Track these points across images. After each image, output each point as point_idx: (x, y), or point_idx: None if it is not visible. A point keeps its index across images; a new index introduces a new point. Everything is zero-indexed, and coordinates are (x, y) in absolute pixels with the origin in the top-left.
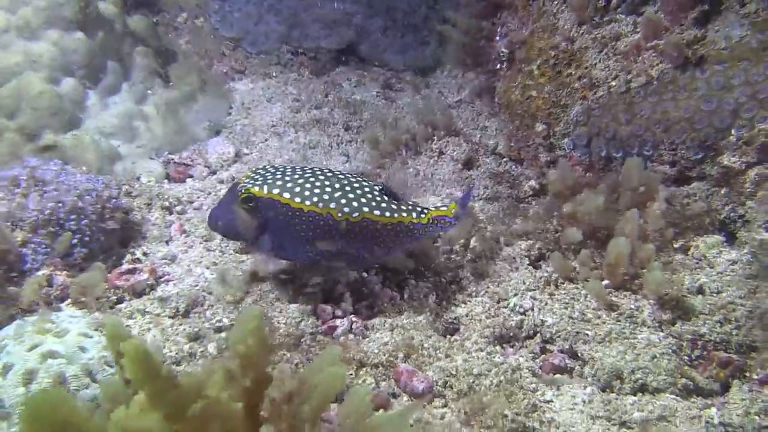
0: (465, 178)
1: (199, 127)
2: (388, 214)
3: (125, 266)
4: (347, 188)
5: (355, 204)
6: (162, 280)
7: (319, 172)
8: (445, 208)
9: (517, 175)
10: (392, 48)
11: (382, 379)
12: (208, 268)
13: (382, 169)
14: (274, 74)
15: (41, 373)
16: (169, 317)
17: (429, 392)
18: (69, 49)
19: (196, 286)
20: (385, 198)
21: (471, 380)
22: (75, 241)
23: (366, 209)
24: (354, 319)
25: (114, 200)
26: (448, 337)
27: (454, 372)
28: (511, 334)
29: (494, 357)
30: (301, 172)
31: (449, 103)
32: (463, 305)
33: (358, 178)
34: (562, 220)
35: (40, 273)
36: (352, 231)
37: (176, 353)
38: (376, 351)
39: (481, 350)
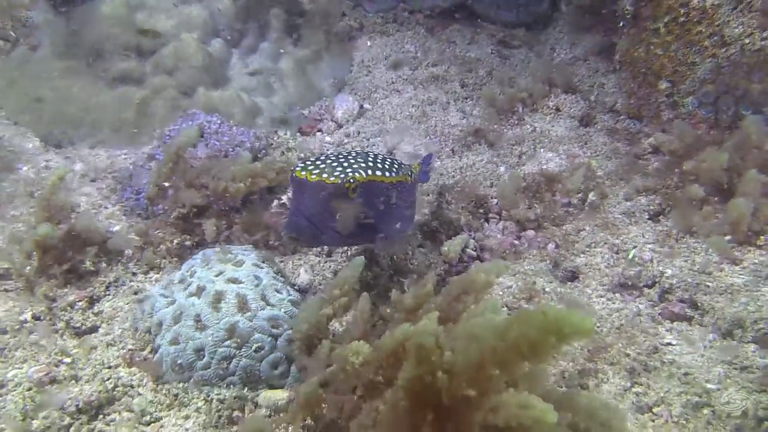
0: (582, 135)
1: (325, 84)
2: (412, 170)
3: (274, 209)
4: (385, 157)
5: (404, 167)
6: None
7: (356, 152)
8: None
9: (636, 132)
10: (506, 5)
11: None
12: None
13: (499, 126)
14: (391, 32)
15: (228, 294)
16: (315, 255)
17: None
18: (217, 12)
19: None
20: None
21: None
22: None
23: (410, 170)
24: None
25: (264, 151)
26: (568, 283)
27: None
28: (630, 283)
29: (614, 303)
30: (346, 155)
31: (564, 59)
32: (582, 255)
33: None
34: (684, 177)
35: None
36: (411, 191)
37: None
38: (501, 293)
39: (601, 296)
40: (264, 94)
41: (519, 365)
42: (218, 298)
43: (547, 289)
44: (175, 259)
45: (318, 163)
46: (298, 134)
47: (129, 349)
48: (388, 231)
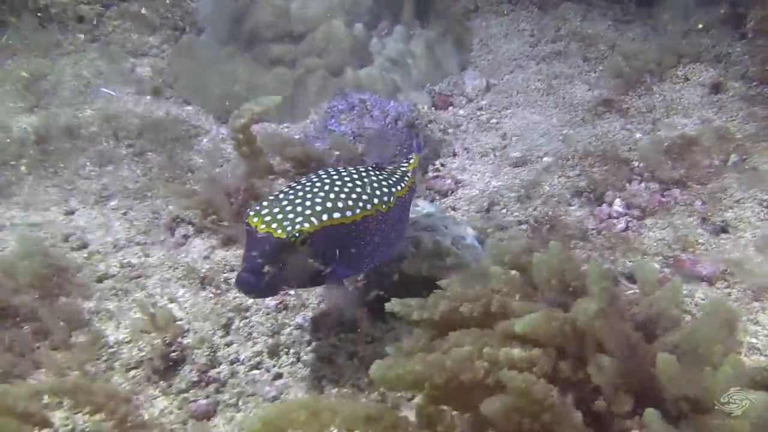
0: (715, 102)
1: (450, 63)
2: (403, 184)
3: (431, 174)
4: (364, 181)
5: (384, 190)
6: (459, 185)
7: (327, 179)
8: (412, 161)
9: None
10: None
11: (664, 265)
12: (494, 176)
13: (627, 96)
14: (505, 12)
15: (424, 239)
16: (476, 211)
17: (712, 277)
18: None
19: (487, 190)
20: (386, 172)
21: (751, 267)
22: (396, 152)
23: (394, 189)
24: (629, 219)
25: (418, 121)
26: (721, 235)
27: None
28: None
29: None
30: (311, 186)
31: (680, 31)
32: (730, 210)
33: (353, 169)
34: None
35: None
36: (393, 216)
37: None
38: (654, 244)
39: (756, 246)
40: (400, 72)
41: None
42: (416, 244)
43: (700, 241)
44: None
45: (274, 205)
46: (432, 108)
47: None
48: (354, 268)
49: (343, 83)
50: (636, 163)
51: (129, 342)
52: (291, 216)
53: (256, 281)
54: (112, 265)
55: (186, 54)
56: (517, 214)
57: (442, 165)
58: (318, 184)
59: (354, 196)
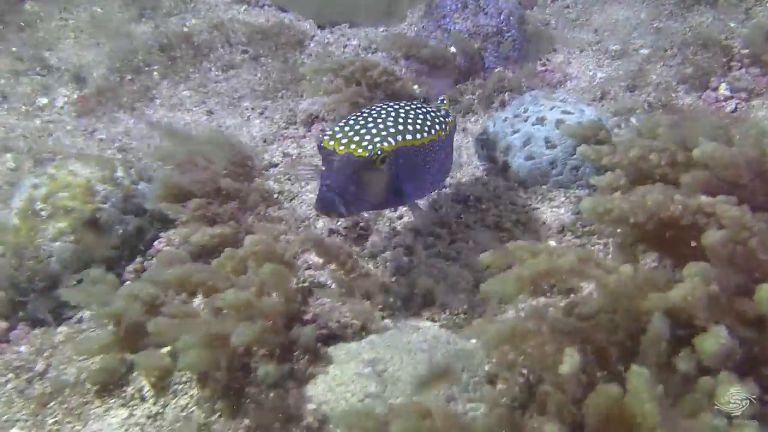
0: None
1: None
2: (451, 117)
3: (539, 67)
4: (423, 109)
5: (440, 119)
6: (567, 78)
7: (390, 108)
8: (446, 102)
9: None
10: None
11: None
12: (599, 67)
13: None
14: None
15: (567, 121)
16: (592, 101)
17: None
18: None
19: (595, 81)
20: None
21: None
22: (511, 46)
23: (447, 119)
24: (737, 101)
25: (522, 17)
26: None
27: None
28: None
29: None
30: (377, 113)
31: None
32: None
33: (406, 101)
34: None
35: (496, 70)
36: (447, 145)
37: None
38: (765, 122)
39: None
40: None
41: None
42: (560, 124)
43: None
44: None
45: (347, 129)
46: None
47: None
48: (421, 190)
49: None
50: (736, 50)
51: (318, 217)
52: (368, 137)
53: (338, 200)
54: (275, 155)
55: None
56: (630, 101)
57: (548, 60)
58: (383, 113)
59: (419, 120)
